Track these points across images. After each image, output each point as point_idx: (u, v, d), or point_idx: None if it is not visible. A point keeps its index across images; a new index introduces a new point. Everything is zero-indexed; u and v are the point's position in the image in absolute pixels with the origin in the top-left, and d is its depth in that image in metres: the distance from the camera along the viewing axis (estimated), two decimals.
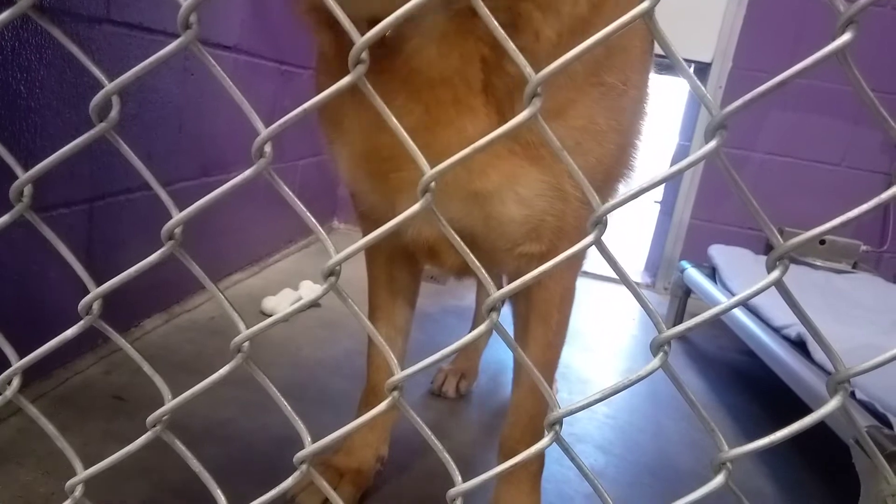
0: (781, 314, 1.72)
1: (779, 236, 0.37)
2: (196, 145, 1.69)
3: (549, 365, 1.04)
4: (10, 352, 0.48)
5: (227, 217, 1.96)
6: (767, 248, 2.68)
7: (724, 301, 0.40)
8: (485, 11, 0.38)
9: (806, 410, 0.55)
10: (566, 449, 0.43)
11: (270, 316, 1.23)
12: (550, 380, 1.04)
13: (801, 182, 2.73)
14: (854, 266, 2.58)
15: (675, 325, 0.41)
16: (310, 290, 2.02)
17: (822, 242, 2.56)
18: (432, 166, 0.80)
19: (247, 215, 2.08)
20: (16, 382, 0.48)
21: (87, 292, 0.46)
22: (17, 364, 0.47)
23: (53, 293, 1.22)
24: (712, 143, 0.36)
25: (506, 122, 0.77)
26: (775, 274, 0.37)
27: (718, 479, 0.40)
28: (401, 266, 1.10)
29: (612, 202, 0.38)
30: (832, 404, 0.38)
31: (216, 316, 1.75)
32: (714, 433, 0.40)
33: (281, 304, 1.88)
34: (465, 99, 0.74)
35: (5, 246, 1.13)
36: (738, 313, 1.88)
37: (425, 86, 0.74)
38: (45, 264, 1.20)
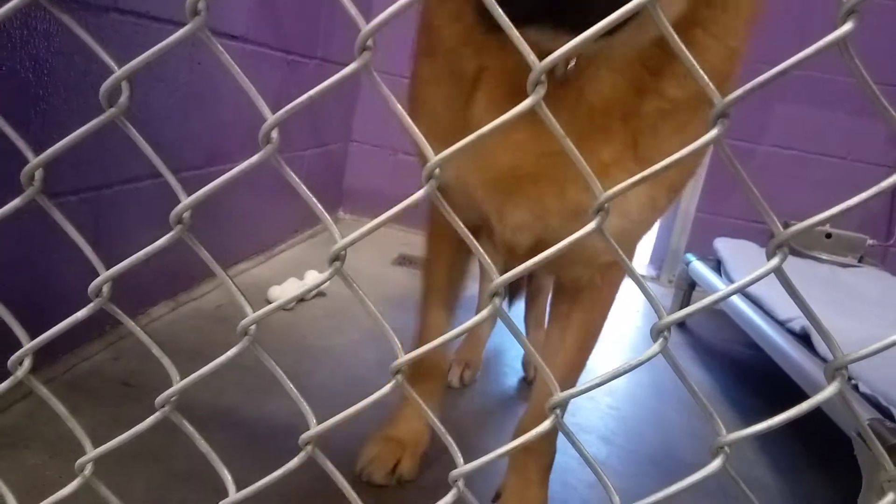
0: (785, 307, 1.72)
1: (778, 223, 0.38)
2: (203, 134, 1.70)
3: (580, 365, 1.05)
4: (21, 333, 0.49)
5: (233, 206, 1.97)
6: None
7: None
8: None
9: None
10: (567, 434, 0.44)
11: None
12: (577, 377, 1.05)
13: (807, 175, 2.72)
14: (860, 260, 2.57)
15: None
16: (315, 279, 2.03)
17: (829, 236, 2.55)
18: (567, 194, 0.84)
19: (253, 205, 2.09)
20: (27, 363, 0.48)
21: (97, 277, 0.47)
22: (29, 345, 0.48)
23: (63, 279, 1.24)
24: (714, 132, 0.37)
25: (638, 149, 0.80)
26: (774, 261, 0.38)
27: (716, 463, 0.41)
28: (464, 251, 1.15)
29: (613, 190, 0.39)
30: (830, 390, 0.39)
31: (222, 304, 1.76)
32: (712, 418, 0.41)
33: (286, 292, 1.89)
34: (612, 126, 0.79)
35: (16, 232, 1.14)
36: (742, 306, 1.88)
37: (587, 114, 0.78)
38: (55, 250, 1.21)
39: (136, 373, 1.33)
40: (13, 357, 0.47)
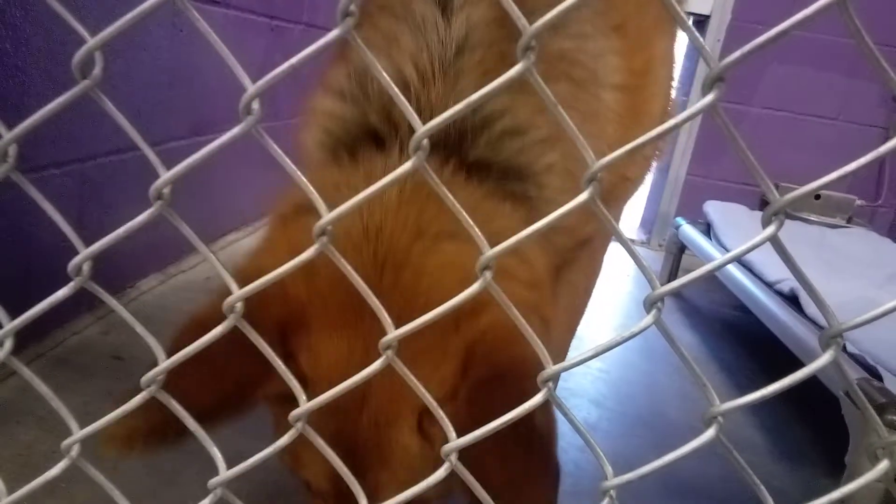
0: (775, 269, 1.73)
1: (775, 191, 0.37)
2: (187, 104, 1.67)
3: (571, 330, 1.06)
4: (1, 314, 0.48)
5: (221, 176, 1.94)
6: (762, 204, 2.68)
7: (718, 257, 0.40)
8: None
9: (798, 364, 0.55)
10: (559, 405, 0.43)
11: None
12: (568, 344, 1.07)
13: (798, 137, 2.72)
14: (849, 221, 2.59)
15: (669, 281, 0.41)
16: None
17: (818, 197, 2.56)
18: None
19: (242, 175, 2.06)
20: (8, 344, 0.48)
21: (78, 253, 0.46)
22: (9, 326, 0.47)
23: (47, 256, 1.22)
24: (710, 97, 0.36)
25: None
26: (771, 229, 0.37)
27: (709, 433, 0.41)
28: None
29: (605, 159, 0.38)
30: (824, 359, 0.38)
31: (212, 276, 1.75)
32: (706, 388, 0.40)
33: None
34: None
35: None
36: (732, 269, 1.88)
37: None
38: (37, 227, 1.19)
39: (127, 346, 1.32)
40: None
